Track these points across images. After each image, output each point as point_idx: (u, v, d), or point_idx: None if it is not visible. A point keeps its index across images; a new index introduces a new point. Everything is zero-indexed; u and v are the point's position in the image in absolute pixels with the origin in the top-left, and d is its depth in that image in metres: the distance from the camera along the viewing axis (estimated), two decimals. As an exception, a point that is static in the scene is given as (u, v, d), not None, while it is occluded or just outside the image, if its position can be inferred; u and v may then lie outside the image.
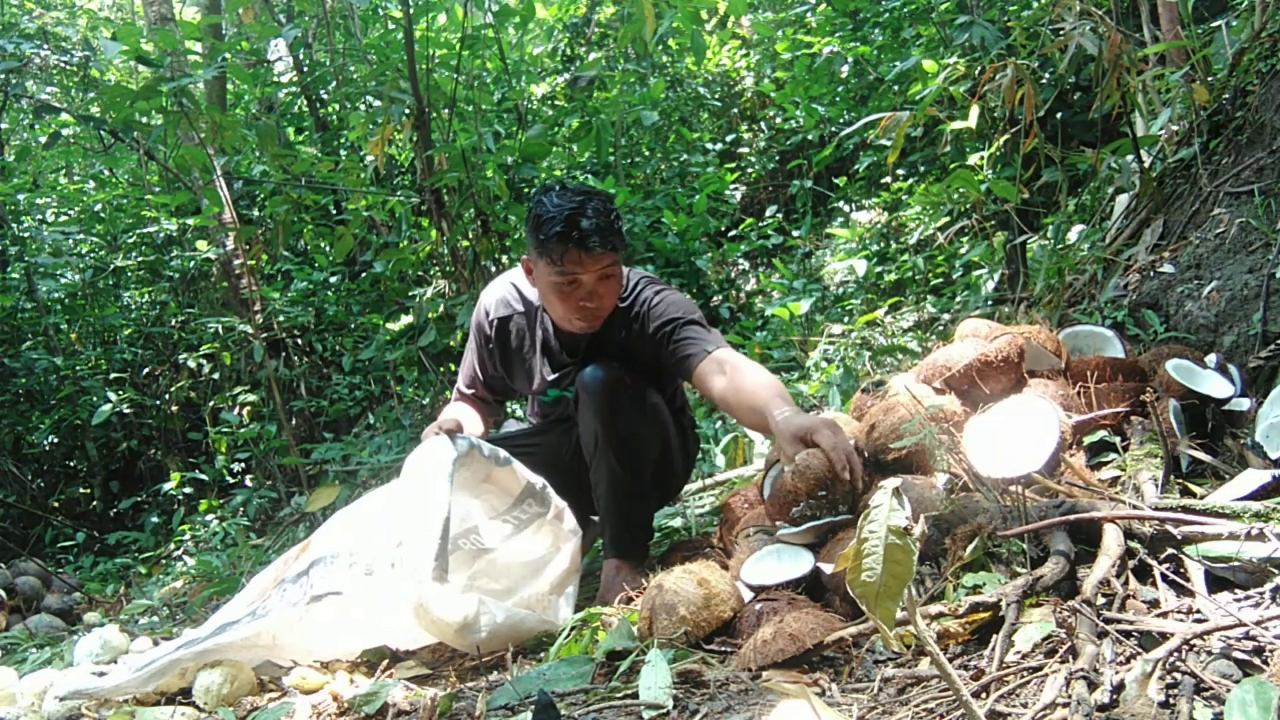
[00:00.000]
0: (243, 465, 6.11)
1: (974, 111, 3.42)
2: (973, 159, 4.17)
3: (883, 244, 5.55)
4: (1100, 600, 1.42)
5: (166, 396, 6.33)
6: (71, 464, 6.70)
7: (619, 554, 2.43)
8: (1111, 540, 1.54)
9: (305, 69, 6.79)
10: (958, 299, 4.46)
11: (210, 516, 5.08)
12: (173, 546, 4.95)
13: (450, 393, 3.06)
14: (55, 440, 6.45)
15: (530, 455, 2.51)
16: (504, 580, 2.28)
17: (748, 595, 1.88)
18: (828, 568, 1.79)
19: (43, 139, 7.61)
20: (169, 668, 1.95)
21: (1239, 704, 1.05)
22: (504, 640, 1.97)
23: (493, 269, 5.08)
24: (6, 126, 7.42)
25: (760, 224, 6.30)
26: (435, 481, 2.03)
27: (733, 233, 6.39)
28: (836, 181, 6.40)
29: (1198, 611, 1.38)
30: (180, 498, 5.52)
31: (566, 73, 7.21)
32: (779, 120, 7.20)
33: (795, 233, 6.40)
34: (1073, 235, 3.49)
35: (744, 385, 2.19)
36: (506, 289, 2.60)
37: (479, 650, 1.93)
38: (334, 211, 6.29)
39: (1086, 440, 2.05)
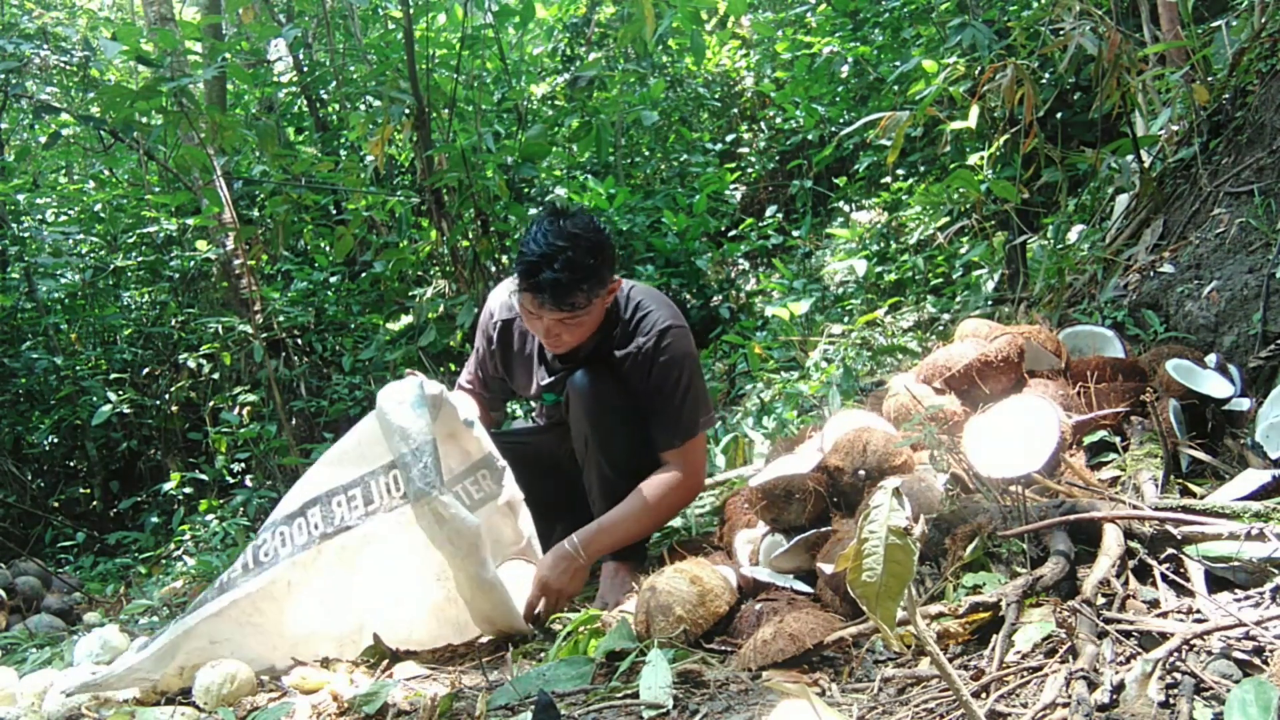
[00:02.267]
0: (243, 465, 6.10)
1: (974, 111, 3.41)
2: (973, 159, 4.17)
3: (883, 244, 5.55)
4: (1100, 600, 1.42)
5: (166, 396, 6.31)
6: (71, 464, 6.69)
7: (616, 556, 2.44)
8: (1111, 540, 1.54)
9: (305, 69, 6.79)
10: (958, 299, 4.45)
11: (210, 516, 5.07)
12: (173, 546, 4.94)
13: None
14: (55, 440, 6.44)
15: (531, 454, 2.52)
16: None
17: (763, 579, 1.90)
18: (828, 568, 1.79)
19: (43, 139, 7.60)
20: (181, 641, 1.95)
21: (1239, 704, 1.05)
22: (495, 606, 2.02)
23: (493, 269, 5.08)
24: (6, 126, 7.40)
25: (760, 224, 6.30)
26: (411, 409, 2.06)
27: (733, 233, 6.39)
28: (836, 181, 6.40)
29: (1198, 611, 1.39)
30: (180, 498, 5.51)
31: (566, 73, 7.21)
32: (779, 120, 7.20)
33: (795, 233, 6.39)
34: (1073, 235, 3.49)
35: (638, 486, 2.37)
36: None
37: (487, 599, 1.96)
38: (334, 211, 6.28)
39: (1086, 440, 2.05)
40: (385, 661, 2.02)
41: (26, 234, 6.60)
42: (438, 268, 5.68)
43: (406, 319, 5.68)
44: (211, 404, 5.81)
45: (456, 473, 2.32)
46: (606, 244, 2.26)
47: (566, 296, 2.19)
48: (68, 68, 6.03)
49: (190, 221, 6.04)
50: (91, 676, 1.99)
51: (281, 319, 5.70)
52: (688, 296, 5.84)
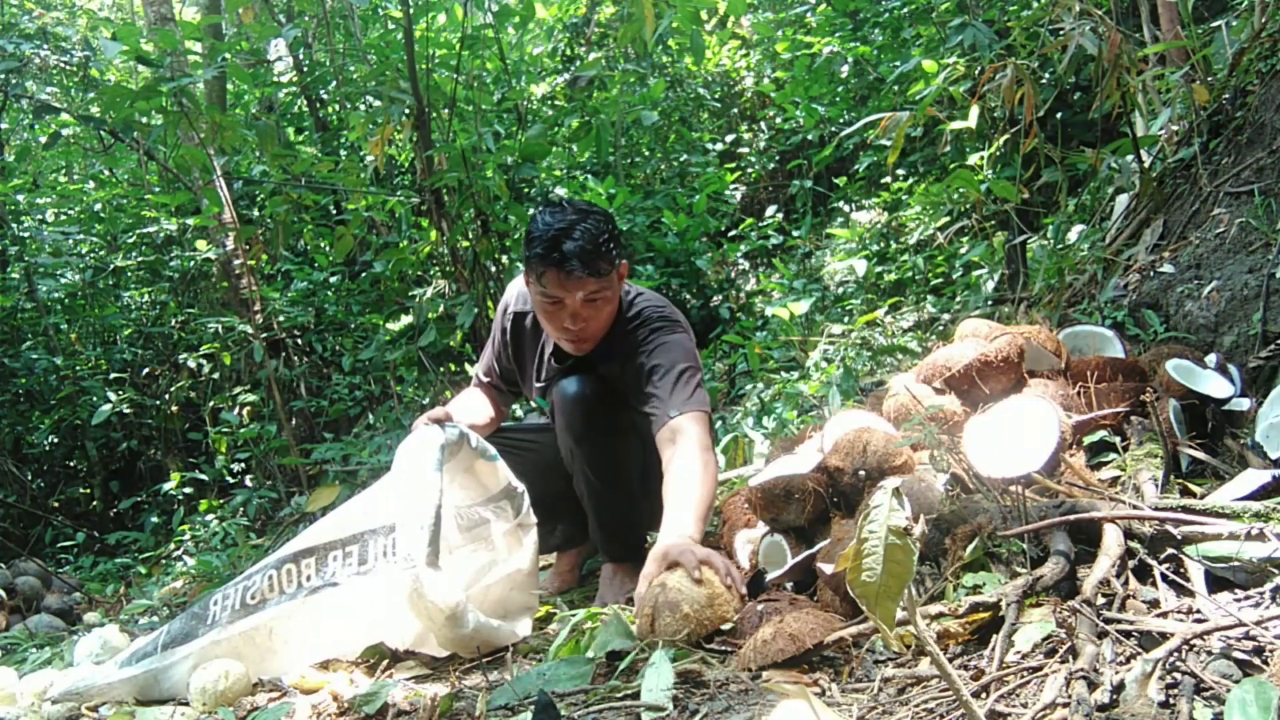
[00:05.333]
0: (243, 465, 6.10)
1: (974, 111, 3.41)
2: (973, 159, 4.17)
3: (883, 244, 5.55)
4: (1100, 600, 1.42)
5: (166, 396, 6.31)
6: (71, 464, 6.69)
7: (612, 559, 2.45)
8: (1111, 540, 1.54)
9: (305, 69, 6.79)
10: (958, 299, 4.46)
11: (210, 516, 5.07)
12: (173, 546, 4.95)
13: (450, 392, 3.05)
14: (55, 440, 6.43)
15: (534, 451, 2.53)
16: (491, 565, 2.27)
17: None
18: (828, 568, 1.79)
19: (43, 139, 7.60)
20: (160, 674, 1.96)
21: (1239, 704, 1.04)
22: (479, 644, 1.98)
23: (493, 269, 5.08)
24: (6, 126, 7.40)
25: (760, 224, 6.30)
26: (426, 469, 2.05)
27: (733, 233, 6.39)
28: (836, 181, 6.40)
29: (1198, 611, 1.38)
30: (180, 498, 5.51)
31: (566, 73, 7.21)
32: (779, 120, 7.20)
33: (795, 233, 6.39)
34: (1073, 235, 3.49)
35: (671, 472, 2.12)
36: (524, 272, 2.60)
37: (467, 649, 1.94)
38: (334, 211, 6.29)
39: (1086, 440, 2.05)
40: (385, 661, 2.02)
41: (26, 234, 6.61)
42: (438, 268, 5.68)
43: (406, 319, 5.69)
44: (211, 404, 5.81)
45: (476, 502, 2.32)
46: (611, 216, 2.27)
47: (595, 259, 2.16)
48: (68, 68, 6.03)
49: (190, 221, 6.04)
50: (75, 684, 2.01)
51: (281, 319, 5.70)
52: (688, 296, 5.84)
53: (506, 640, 2.05)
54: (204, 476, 5.51)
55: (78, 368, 6.26)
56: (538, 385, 2.53)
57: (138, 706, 1.94)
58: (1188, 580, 1.47)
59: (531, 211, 2.35)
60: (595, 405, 2.32)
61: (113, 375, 6.38)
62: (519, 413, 4.40)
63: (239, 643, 1.97)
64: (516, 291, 2.60)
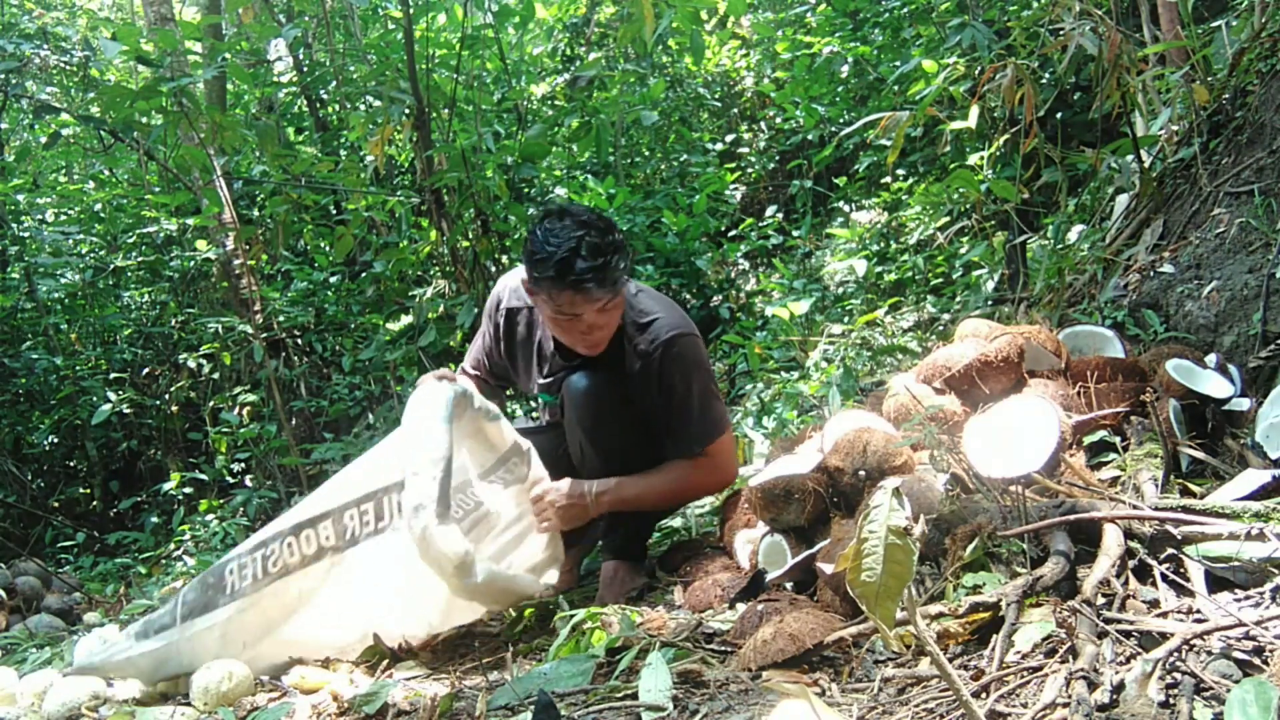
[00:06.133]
0: (243, 465, 6.10)
1: (974, 111, 3.41)
2: (973, 159, 4.17)
3: (883, 244, 5.55)
4: (1100, 600, 1.42)
5: (166, 396, 6.31)
6: (71, 464, 6.69)
7: (615, 555, 2.44)
8: (1111, 540, 1.54)
9: (305, 69, 6.79)
10: (958, 299, 4.46)
11: (210, 516, 5.07)
12: (173, 546, 4.94)
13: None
14: (55, 440, 6.43)
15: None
16: (497, 539, 2.28)
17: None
18: (828, 568, 1.79)
19: (43, 139, 7.61)
20: (183, 646, 1.96)
21: (1239, 704, 1.05)
22: (496, 595, 1.99)
23: (493, 269, 5.08)
24: (6, 126, 7.40)
25: (760, 224, 6.30)
26: (434, 423, 2.06)
27: (733, 233, 6.39)
28: (836, 181, 6.40)
29: (1198, 611, 1.39)
30: (180, 498, 5.51)
31: (566, 73, 7.21)
32: (779, 120, 7.20)
33: (795, 233, 6.39)
34: (1073, 235, 3.49)
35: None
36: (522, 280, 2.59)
37: (490, 601, 1.96)
38: (334, 211, 6.29)
39: (1086, 440, 2.05)
40: (385, 661, 2.02)
41: (26, 234, 6.61)
42: (438, 268, 5.68)
43: (406, 319, 5.69)
44: (211, 404, 5.81)
45: (487, 467, 2.34)
46: (612, 223, 2.26)
47: (609, 276, 2.16)
48: (68, 68, 6.03)
49: (190, 221, 6.04)
50: (90, 658, 2.01)
51: (281, 319, 5.71)
52: (688, 296, 5.84)
53: (528, 589, 2.07)
54: (204, 476, 5.51)
55: (78, 368, 6.26)
56: (541, 381, 2.53)
57: (137, 706, 1.94)
58: (1188, 580, 1.47)
59: (532, 224, 2.32)
60: (606, 399, 2.33)
61: (113, 375, 6.38)
62: (518, 411, 4.40)
63: (267, 604, 1.97)
64: (510, 287, 2.57)
